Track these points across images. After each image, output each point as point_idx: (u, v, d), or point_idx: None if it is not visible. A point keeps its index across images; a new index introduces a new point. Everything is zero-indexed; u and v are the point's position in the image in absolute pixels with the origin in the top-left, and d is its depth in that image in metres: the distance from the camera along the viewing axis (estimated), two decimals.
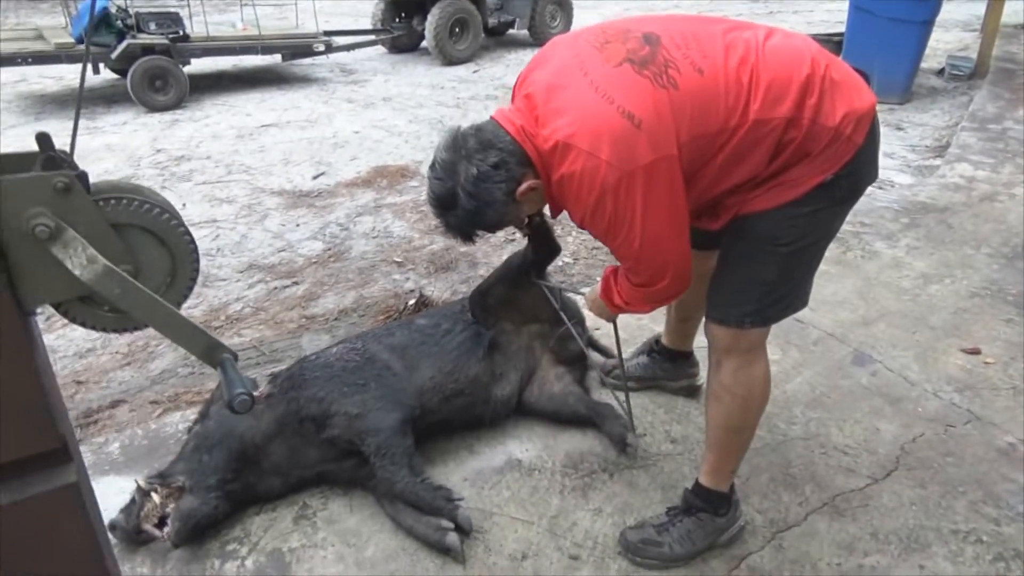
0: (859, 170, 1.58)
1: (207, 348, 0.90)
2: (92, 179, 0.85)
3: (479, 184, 1.58)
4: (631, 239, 1.56)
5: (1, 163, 0.83)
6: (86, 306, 0.88)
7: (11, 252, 0.79)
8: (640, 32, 1.54)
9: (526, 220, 2.14)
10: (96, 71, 7.36)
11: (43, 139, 0.83)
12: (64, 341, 3.18)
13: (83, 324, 0.90)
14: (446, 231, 1.73)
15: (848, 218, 4.09)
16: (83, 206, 0.82)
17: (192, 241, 0.93)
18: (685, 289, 1.75)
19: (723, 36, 1.55)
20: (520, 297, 2.47)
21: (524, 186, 1.60)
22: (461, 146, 1.61)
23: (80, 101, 0.87)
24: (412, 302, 3.29)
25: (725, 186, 1.61)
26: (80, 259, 0.81)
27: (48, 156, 0.82)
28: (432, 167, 1.66)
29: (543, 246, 2.33)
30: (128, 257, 0.88)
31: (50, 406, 0.86)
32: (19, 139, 6.18)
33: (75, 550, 0.95)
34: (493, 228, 1.72)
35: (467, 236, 1.72)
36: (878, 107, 1.60)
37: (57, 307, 0.88)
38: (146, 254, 0.90)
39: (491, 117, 1.67)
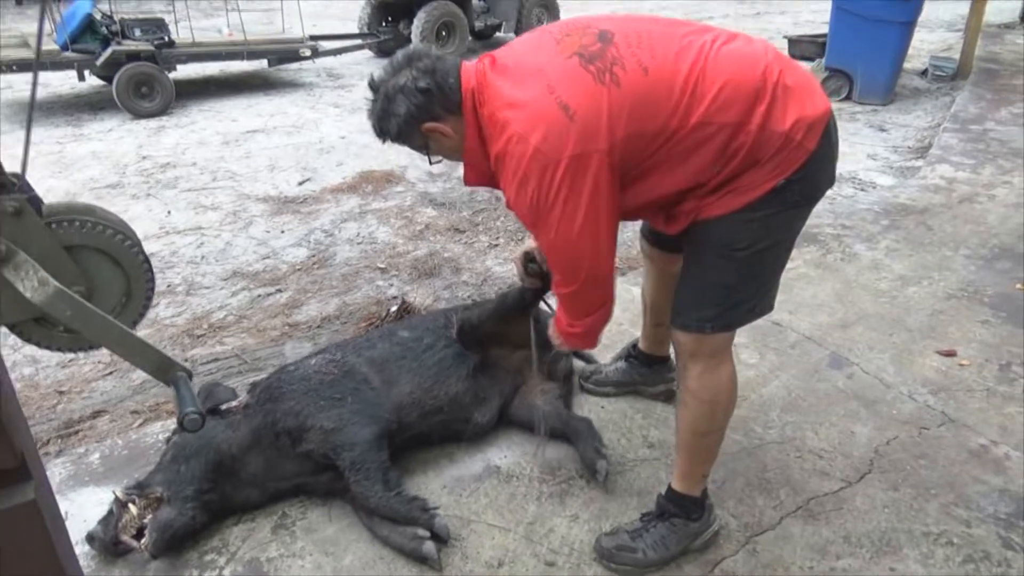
0: (813, 175, 1.61)
1: (160, 366, 0.91)
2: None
3: (397, 94, 1.66)
4: (548, 228, 1.63)
5: None
6: (41, 327, 0.90)
7: None
8: (598, 29, 1.60)
9: (525, 268, 2.18)
10: (81, 78, 7.34)
11: None
12: (47, 351, 3.17)
13: (38, 344, 0.91)
14: (368, 115, 1.78)
15: (829, 220, 4.19)
16: (34, 229, 0.84)
17: (147, 261, 0.94)
18: (604, 302, 1.81)
19: (680, 39, 1.58)
20: (511, 331, 2.46)
21: (432, 124, 1.67)
22: (414, 59, 1.69)
23: (30, 120, 0.88)
24: (394, 308, 3.30)
25: (670, 187, 1.64)
26: (31, 282, 0.82)
27: None
28: (390, 60, 1.74)
29: (539, 290, 2.32)
30: (81, 279, 0.89)
31: (7, 425, 0.87)
32: (4, 147, 6.14)
33: (35, 567, 0.96)
34: (394, 138, 1.75)
35: (376, 130, 1.76)
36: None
37: (12, 328, 0.89)
38: (100, 275, 0.91)
39: (460, 62, 1.72)
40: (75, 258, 0.89)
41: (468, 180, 1.79)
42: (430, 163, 1.84)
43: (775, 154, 1.55)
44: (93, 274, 0.91)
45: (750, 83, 1.52)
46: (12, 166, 0.90)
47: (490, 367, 2.45)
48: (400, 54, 1.72)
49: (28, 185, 0.87)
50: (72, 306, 0.84)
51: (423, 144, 1.74)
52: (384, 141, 1.78)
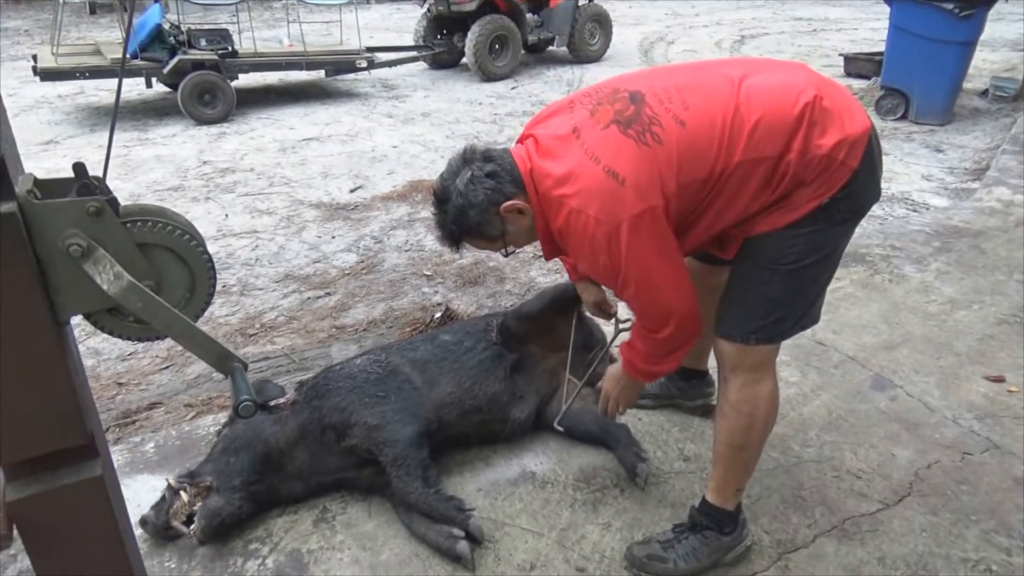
0: (857, 192, 1.63)
1: (219, 357, 0.98)
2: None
3: (468, 185, 1.72)
4: (627, 285, 1.68)
5: (42, 188, 0.93)
6: (113, 317, 0.98)
7: (48, 269, 0.89)
8: (627, 91, 1.65)
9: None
10: (149, 85, 7.67)
11: (78, 168, 0.92)
12: (108, 344, 3.34)
13: (110, 333, 0.99)
14: (437, 228, 1.85)
15: (878, 241, 4.13)
16: (112, 228, 0.92)
17: (210, 260, 1.01)
18: (695, 337, 1.80)
19: (709, 83, 1.63)
20: (558, 326, 2.51)
21: (509, 203, 1.71)
22: (470, 158, 1.77)
23: (113, 129, 0.97)
24: (438, 315, 3.37)
25: (726, 222, 1.69)
26: (108, 275, 0.90)
27: (83, 183, 0.91)
28: (447, 167, 1.82)
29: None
30: (151, 274, 0.97)
31: (80, 406, 0.95)
32: (75, 148, 6.47)
33: (98, 539, 1.04)
34: (474, 232, 1.79)
35: (452, 236, 1.81)
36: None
37: (87, 317, 0.97)
38: (168, 271, 0.99)
39: (508, 149, 1.79)
40: (147, 255, 0.97)
41: (547, 255, 1.87)
42: (506, 254, 1.90)
43: (819, 174, 1.58)
44: (162, 270, 0.99)
45: (786, 115, 1.56)
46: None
47: (527, 366, 2.50)
48: (453, 158, 1.80)
49: (107, 188, 0.95)
50: (143, 298, 0.92)
51: (501, 232, 1.79)
52: (458, 247, 1.85)
